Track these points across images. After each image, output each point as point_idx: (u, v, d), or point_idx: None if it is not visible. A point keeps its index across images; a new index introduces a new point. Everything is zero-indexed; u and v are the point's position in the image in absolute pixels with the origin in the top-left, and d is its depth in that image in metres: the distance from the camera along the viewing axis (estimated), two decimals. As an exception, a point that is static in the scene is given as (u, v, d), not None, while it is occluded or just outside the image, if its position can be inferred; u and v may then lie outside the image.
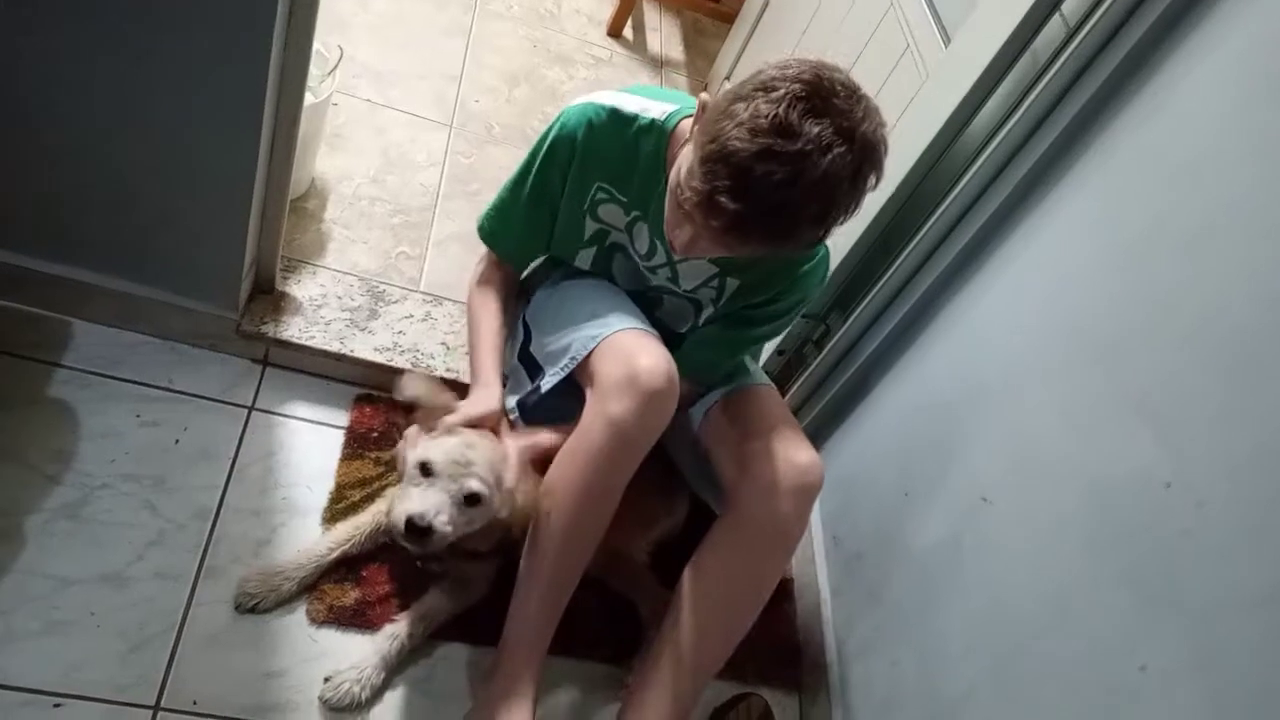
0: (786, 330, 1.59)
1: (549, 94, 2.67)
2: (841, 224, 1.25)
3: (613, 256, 1.59)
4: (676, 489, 1.75)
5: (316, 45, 1.88)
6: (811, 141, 1.13)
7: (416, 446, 1.43)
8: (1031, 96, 1.46)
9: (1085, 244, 1.39)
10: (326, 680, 1.46)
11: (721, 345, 1.58)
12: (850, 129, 1.15)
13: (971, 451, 1.52)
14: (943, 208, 1.61)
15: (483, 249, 1.68)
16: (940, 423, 1.61)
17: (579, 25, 2.96)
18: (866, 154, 1.18)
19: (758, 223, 1.20)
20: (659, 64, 3.01)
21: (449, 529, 1.38)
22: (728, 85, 2.77)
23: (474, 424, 1.47)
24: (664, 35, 3.13)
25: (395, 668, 1.51)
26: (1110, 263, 1.34)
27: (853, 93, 1.17)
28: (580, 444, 1.39)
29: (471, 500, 1.39)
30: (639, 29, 3.07)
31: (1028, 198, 1.51)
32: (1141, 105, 1.33)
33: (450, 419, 1.46)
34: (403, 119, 2.33)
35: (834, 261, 1.80)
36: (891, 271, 1.71)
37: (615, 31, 2.98)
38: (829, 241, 1.41)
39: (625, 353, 1.38)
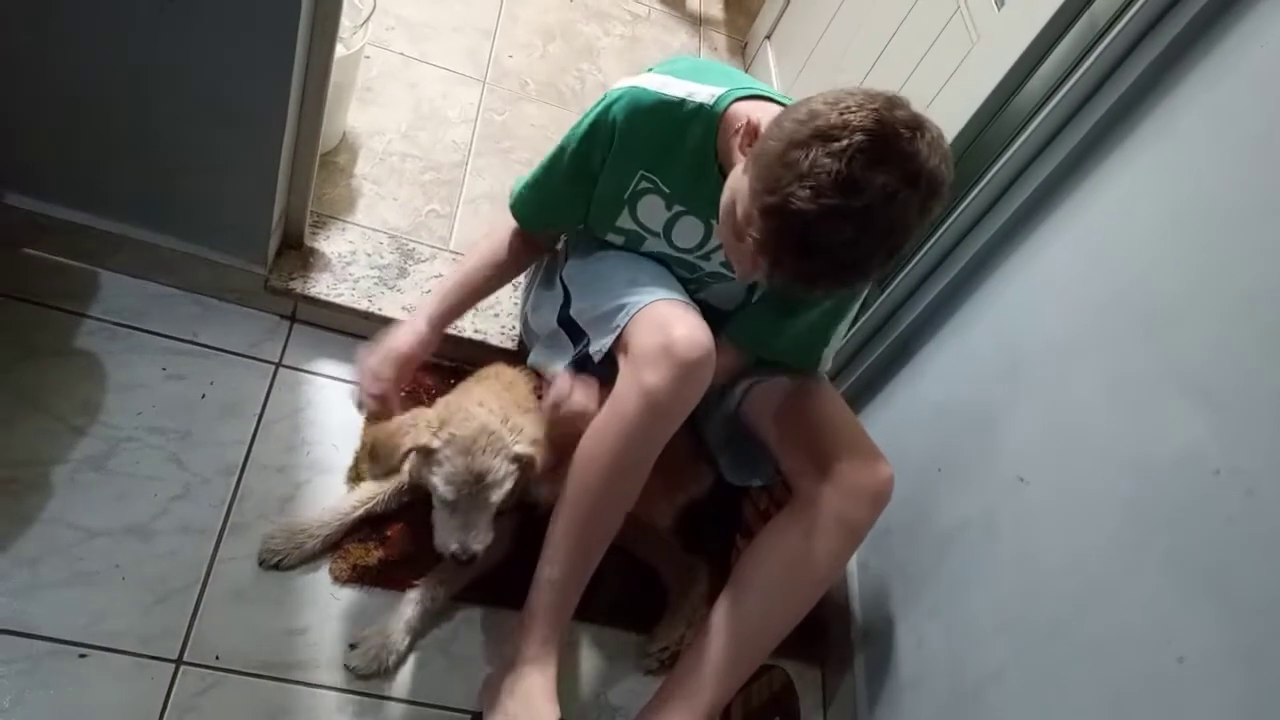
0: (851, 313, 1.54)
1: (584, 50, 2.61)
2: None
3: (646, 249, 1.56)
4: (703, 457, 1.72)
5: (349, -5, 1.85)
6: (877, 194, 1.08)
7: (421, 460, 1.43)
8: (1089, 61, 1.40)
9: (1138, 214, 1.34)
10: (352, 648, 1.46)
11: (784, 314, 1.53)
12: (916, 171, 1.09)
13: (1010, 428, 1.48)
14: (989, 176, 1.56)
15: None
16: (979, 397, 1.57)
17: (617, -20, 2.89)
18: (933, 190, 1.12)
19: (825, 275, 1.17)
20: (698, 22, 2.94)
21: (488, 539, 1.41)
22: (769, 46, 2.71)
23: (386, 358, 1.51)
24: (704, -8, 3.06)
25: (420, 631, 1.50)
26: (1164, 234, 1.29)
27: (916, 129, 1.10)
28: (613, 414, 1.36)
29: (493, 505, 1.40)
30: (678, -15, 3.00)
31: (1080, 166, 1.45)
32: (1210, 68, 1.27)
33: (368, 355, 1.51)
34: (436, 74, 2.29)
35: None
36: (934, 240, 1.66)
37: (654, -13, 2.92)
38: None
39: (661, 322, 1.35)
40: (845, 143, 1.08)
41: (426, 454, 1.40)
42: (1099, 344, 1.36)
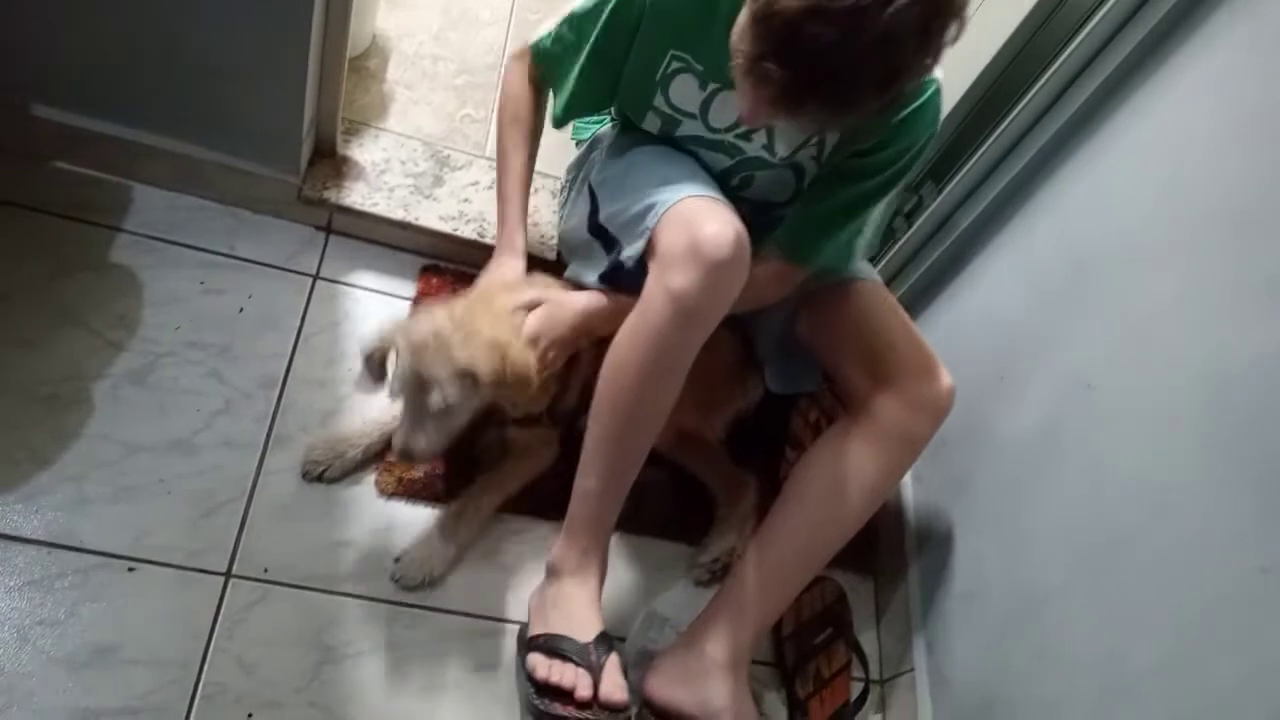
0: (899, 190, 1.43)
1: (621, -55, 2.49)
2: (915, 83, 1.12)
3: (682, 133, 1.47)
4: (751, 368, 1.67)
5: (375, -113, 1.76)
6: None
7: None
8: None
9: (1213, 108, 1.24)
10: (397, 560, 1.45)
11: (833, 212, 1.42)
12: None
13: (1076, 334, 1.41)
14: (1054, 68, 1.45)
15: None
16: (1042, 304, 1.49)
17: None
18: (939, 4, 1.03)
19: (810, 91, 1.08)
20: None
21: (434, 444, 1.35)
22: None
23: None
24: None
25: (464, 543, 1.49)
26: (1242, 128, 1.20)
27: None
28: (641, 319, 1.30)
29: (440, 412, 1.32)
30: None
31: (1151, 57, 1.35)
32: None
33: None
34: (467, -29, 2.20)
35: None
36: (994, 138, 1.56)
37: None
38: (939, 74, 1.26)
39: (688, 220, 1.27)
40: None
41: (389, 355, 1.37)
42: (1172, 244, 1.27)
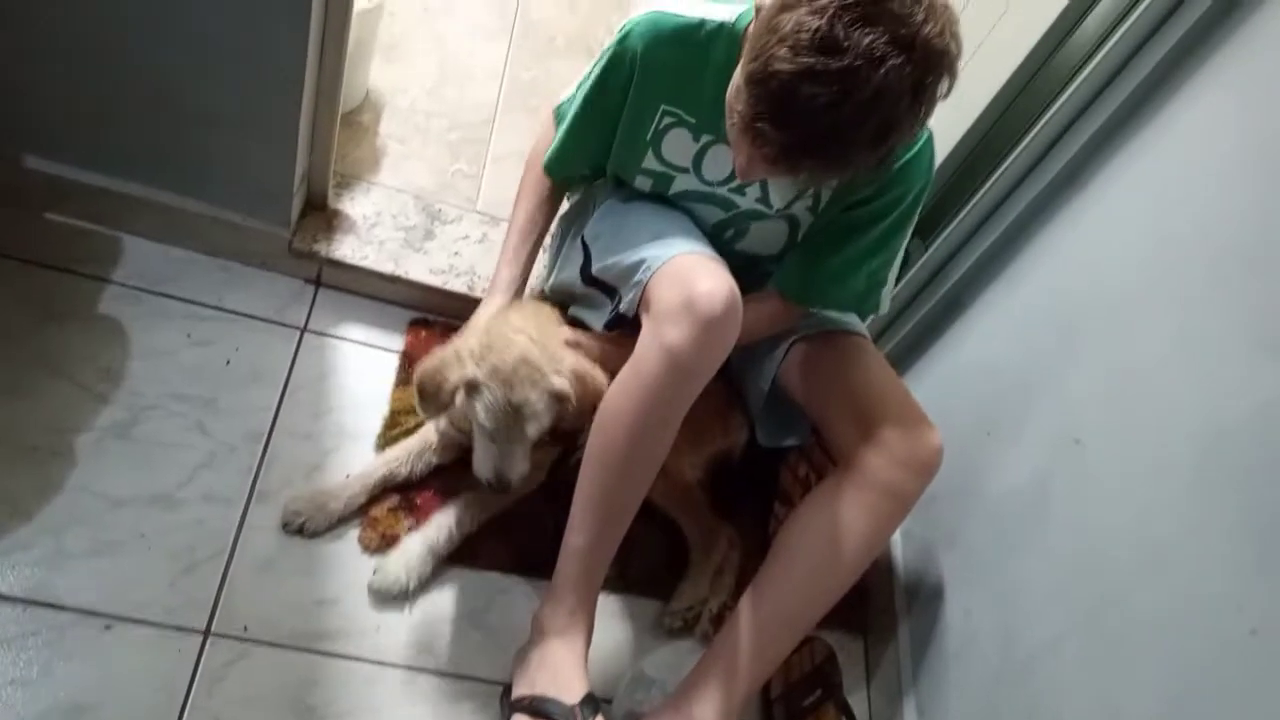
0: (899, 247, 1.45)
1: (615, 3, 2.53)
2: (909, 138, 1.15)
3: (676, 189, 1.48)
4: (736, 409, 1.66)
5: (370, -53, 1.79)
6: (861, 56, 1.01)
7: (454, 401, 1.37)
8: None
9: (1203, 157, 1.25)
10: (375, 572, 1.45)
11: (833, 259, 1.43)
12: (909, 36, 1.02)
13: (1065, 388, 1.41)
14: (1044, 119, 1.47)
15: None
16: (1031, 356, 1.49)
17: (647, -69, 2.79)
18: (930, 63, 1.04)
19: (807, 150, 1.09)
20: (731, -27, 2.84)
21: (526, 468, 1.39)
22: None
23: None
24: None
25: (442, 555, 1.48)
26: (1232, 177, 1.21)
27: None
28: (634, 373, 1.30)
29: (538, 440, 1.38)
30: (710, -65, 2.89)
31: (1144, 105, 1.36)
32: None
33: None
34: (461, 29, 2.23)
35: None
36: (984, 190, 1.58)
37: (685, -63, 2.81)
38: (932, 125, 1.27)
39: (683, 276, 1.28)
40: (828, 0, 1.01)
41: (470, 387, 1.34)
42: (1163, 297, 1.28)
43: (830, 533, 1.39)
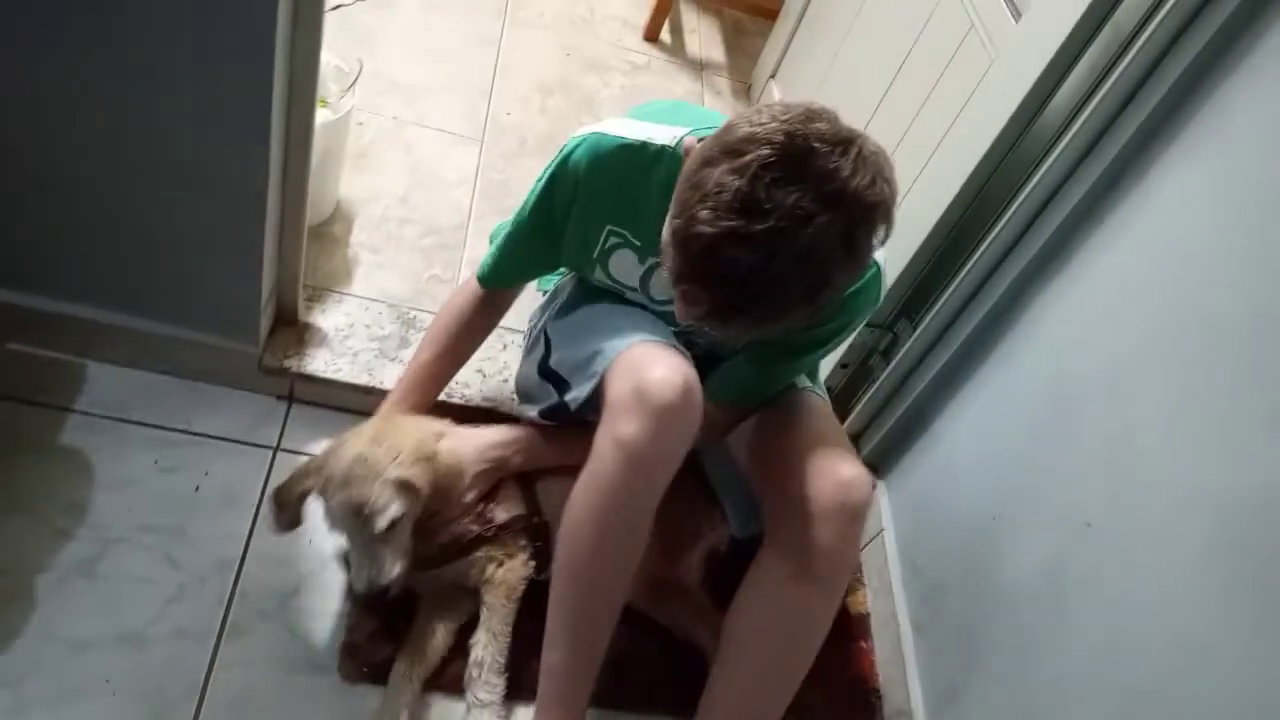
0: (838, 344, 1.42)
1: (585, 103, 2.54)
2: (847, 286, 1.13)
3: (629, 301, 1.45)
4: (712, 501, 1.59)
5: (336, 60, 1.79)
6: (785, 216, 0.97)
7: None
8: (1120, 68, 1.29)
9: (1199, 223, 1.22)
10: None
11: (763, 373, 1.42)
12: (836, 191, 0.98)
13: (1068, 468, 1.35)
14: (1021, 198, 1.45)
15: None
16: (1030, 437, 1.44)
17: (614, 31, 2.83)
18: (860, 215, 1.01)
19: (736, 309, 1.05)
20: (699, 67, 2.87)
21: (395, 566, 1.33)
22: (773, 85, 2.63)
23: None
24: (703, 37, 2.99)
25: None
26: (1225, 243, 1.17)
27: (838, 144, 0.99)
28: (592, 474, 1.24)
29: (387, 533, 1.31)
30: (676, 32, 2.94)
31: (1121, 180, 1.34)
32: (1260, 59, 1.15)
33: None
34: (431, 135, 2.22)
35: (900, 263, 1.65)
36: (966, 271, 1.55)
37: (652, 36, 2.85)
38: (881, 255, 1.24)
39: (635, 367, 1.23)
40: (750, 157, 0.97)
41: (310, 495, 1.36)
42: (1163, 366, 1.23)
43: (762, 618, 1.33)
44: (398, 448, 1.33)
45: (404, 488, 1.31)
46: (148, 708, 1.30)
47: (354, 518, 1.30)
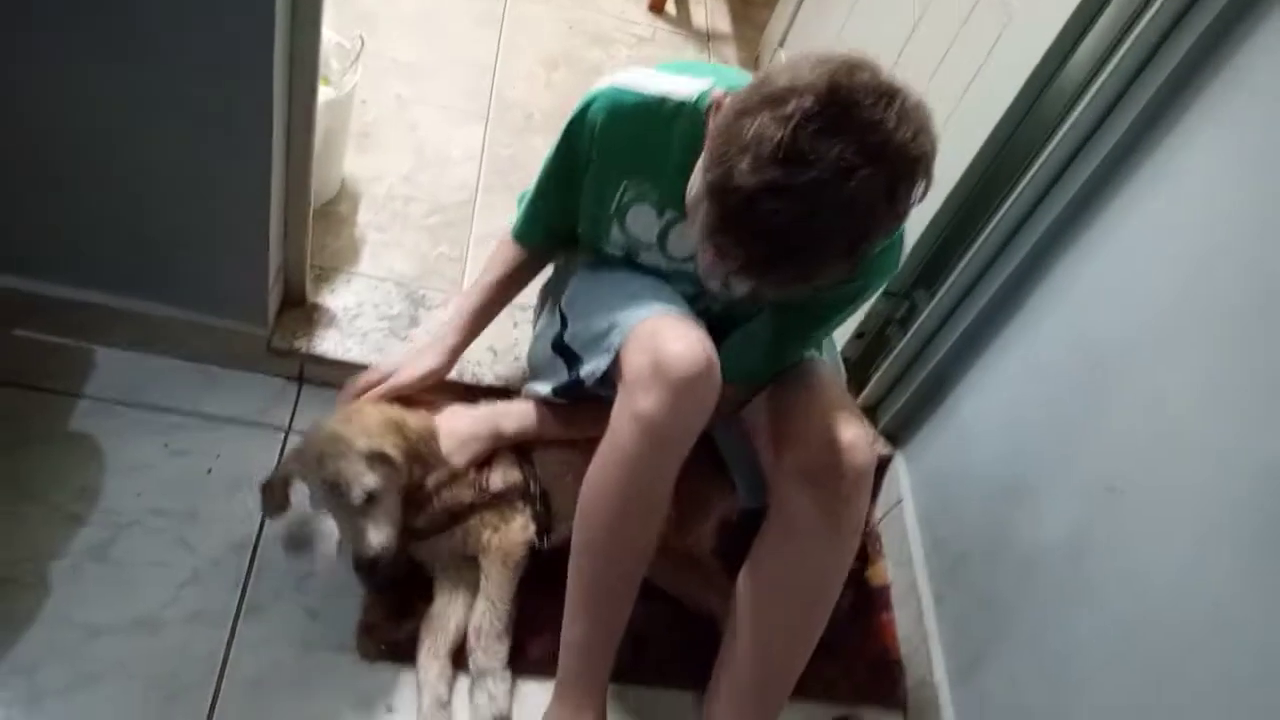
0: (856, 315, 1.38)
1: (590, 75, 2.50)
2: (884, 241, 1.10)
3: (644, 261, 1.43)
4: (721, 470, 1.55)
5: (337, 37, 1.76)
6: (829, 167, 0.94)
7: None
8: (1143, 21, 1.26)
9: (1231, 180, 1.18)
10: None
11: (776, 342, 1.39)
12: (879, 144, 0.95)
13: (1094, 434, 1.33)
14: (1041, 159, 1.41)
15: None
16: (1054, 403, 1.41)
17: (618, 3, 2.79)
18: (903, 169, 0.98)
19: (774, 265, 1.03)
20: (705, 38, 2.83)
21: (382, 536, 1.33)
22: (781, 55, 2.59)
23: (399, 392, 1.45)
24: (709, 7, 2.95)
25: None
26: (1264, 203, 1.13)
27: (882, 95, 0.96)
28: (610, 447, 1.22)
29: (368, 504, 1.33)
30: (681, 2, 2.89)
31: (1149, 135, 1.30)
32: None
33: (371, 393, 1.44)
34: (436, 113, 2.20)
35: (916, 229, 1.62)
36: (985, 236, 1.51)
37: (657, 7, 2.81)
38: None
39: (652, 339, 1.21)
40: (793, 106, 0.94)
41: (292, 478, 1.39)
42: (1194, 333, 1.20)
43: (770, 585, 1.32)
44: (369, 421, 1.35)
45: (376, 458, 1.32)
46: (164, 691, 1.30)
47: (333, 493, 1.32)
